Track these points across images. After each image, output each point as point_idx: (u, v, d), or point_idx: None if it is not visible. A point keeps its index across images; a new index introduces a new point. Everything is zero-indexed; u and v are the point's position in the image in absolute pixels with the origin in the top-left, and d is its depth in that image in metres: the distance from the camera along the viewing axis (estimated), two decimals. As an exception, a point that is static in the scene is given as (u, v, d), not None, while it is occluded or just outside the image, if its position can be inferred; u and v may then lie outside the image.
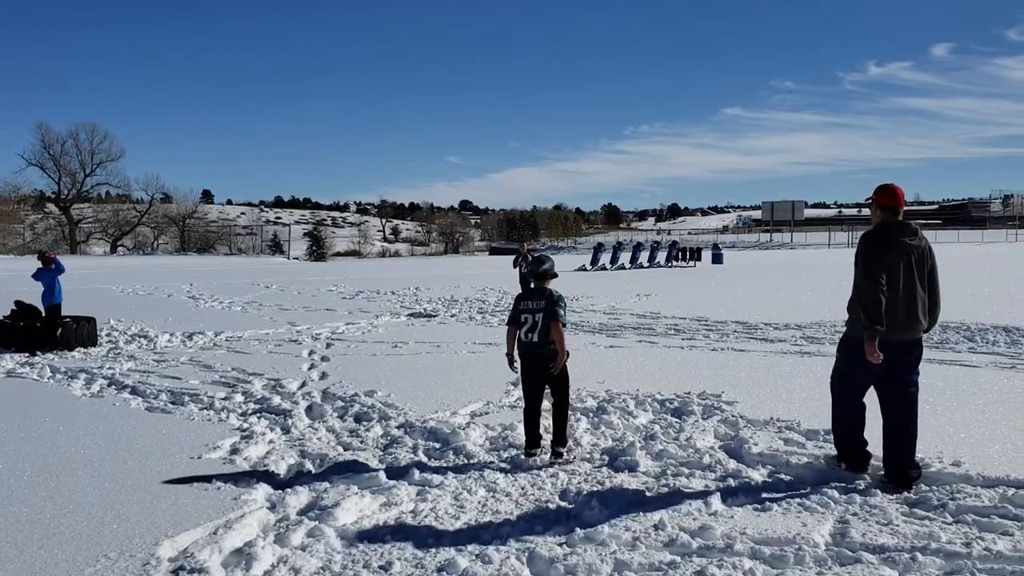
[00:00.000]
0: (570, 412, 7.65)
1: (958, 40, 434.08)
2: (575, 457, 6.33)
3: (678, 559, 4.34)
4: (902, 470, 5.50)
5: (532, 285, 6.56)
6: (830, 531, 4.72)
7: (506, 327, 6.69)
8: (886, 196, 5.63)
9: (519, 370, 6.51)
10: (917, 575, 4.15)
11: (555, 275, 6.62)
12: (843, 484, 5.54)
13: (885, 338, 5.36)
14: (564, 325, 6.30)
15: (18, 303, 13.10)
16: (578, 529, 4.79)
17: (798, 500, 5.25)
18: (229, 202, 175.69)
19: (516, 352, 6.48)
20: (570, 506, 5.27)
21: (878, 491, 5.39)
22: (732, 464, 6.09)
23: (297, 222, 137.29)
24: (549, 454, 6.31)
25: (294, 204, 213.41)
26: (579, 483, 5.74)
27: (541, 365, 6.31)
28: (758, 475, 5.84)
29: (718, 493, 5.36)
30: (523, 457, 6.30)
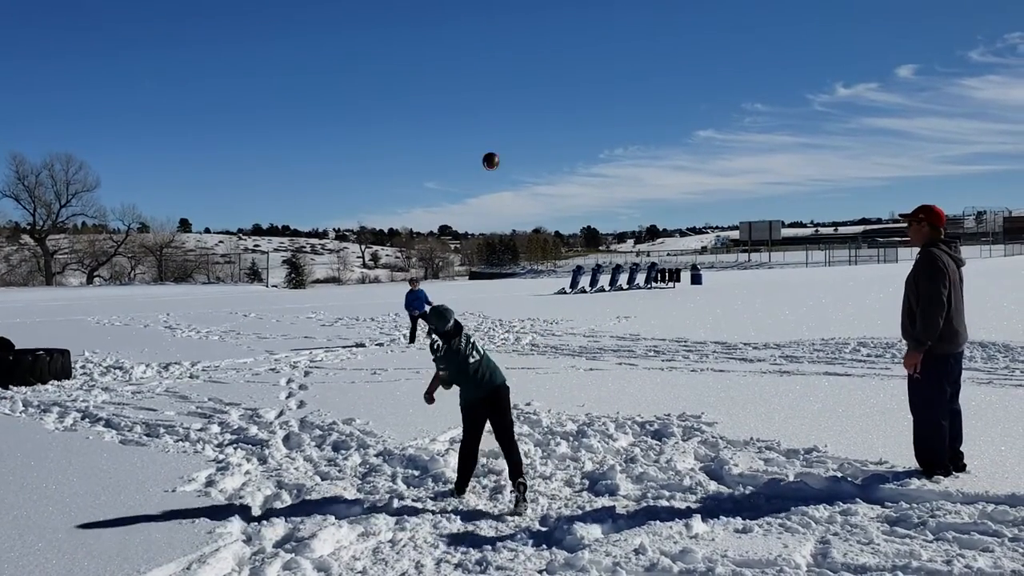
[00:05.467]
0: (550, 437, 7.63)
1: (923, 61, 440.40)
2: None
3: (659, 584, 4.31)
4: (960, 460, 6.15)
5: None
6: (811, 552, 4.70)
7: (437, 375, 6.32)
8: (934, 215, 6.11)
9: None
10: (899, 594, 4.14)
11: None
12: (824, 504, 5.53)
13: (954, 349, 6.01)
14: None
15: (-10, 336, 12.90)
16: (558, 555, 4.75)
17: (779, 521, 5.23)
18: (207, 230, 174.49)
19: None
20: (550, 531, 5.21)
21: (859, 510, 5.39)
22: (713, 486, 6.06)
23: (276, 249, 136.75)
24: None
25: (272, 232, 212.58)
26: (559, 508, 5.70)
27: (495, 394, 6.11)
28: (739, 496, 5.83)
29: (699, 515, 5.32)
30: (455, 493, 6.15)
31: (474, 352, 6.10)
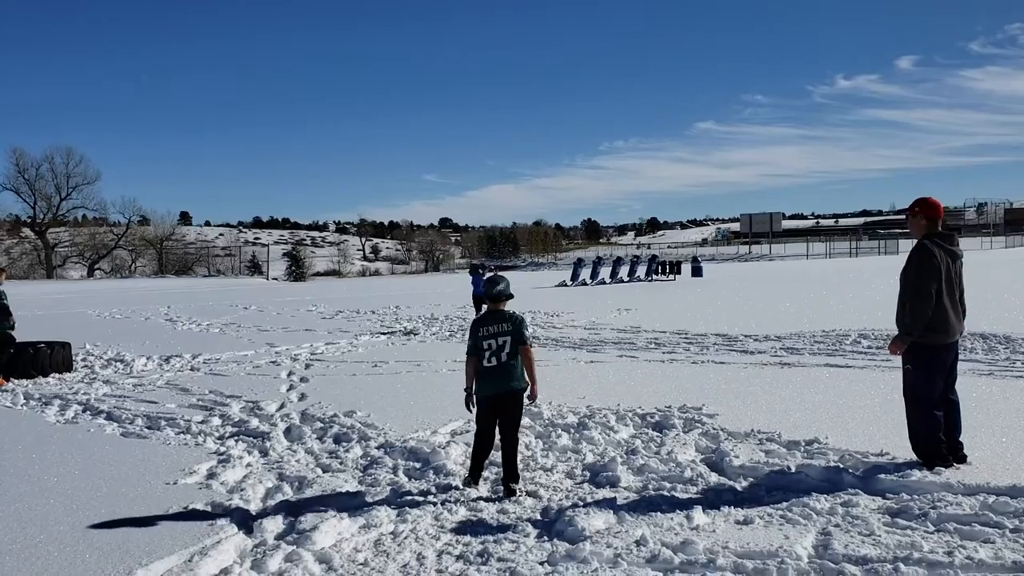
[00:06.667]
0: (551, 430, 7.64)
1: (923, 53, 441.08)
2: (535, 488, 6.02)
3: (659, 575, 4.31)
4: (959, 451, 6.15)
5: (486, 308, 6.30)
6: (812, 543, 4.70)
7: (467, 357, 6.28)
8: (929, 208, 6.18)
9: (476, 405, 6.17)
10: (900, 586, 4.14)
11: (511, 296, 6.25)
12: (825, 495, 5.53)
13: (947, 341, 6.07)
14: (531, 345, 6.20)
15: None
16: (560, 546, 4.75)
17: (780, 512, 5.23)
18: (207, 223, 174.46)
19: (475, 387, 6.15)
20: (551, 523, 5.22)
21: (860, 501, 5.40)
22: (714, 477, 6.07)
23: (276, 242, 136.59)
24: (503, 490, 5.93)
25: (273, 224, 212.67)
26: (560, 500, 5.70)
27: (506, 397, 6.05)
28: (740, 488, 5.83)
29: (700, 507, 5.33)
30: (461, 487, 6.08)
31: (492, 357, 6.01)
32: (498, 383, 6.03)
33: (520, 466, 6.32)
